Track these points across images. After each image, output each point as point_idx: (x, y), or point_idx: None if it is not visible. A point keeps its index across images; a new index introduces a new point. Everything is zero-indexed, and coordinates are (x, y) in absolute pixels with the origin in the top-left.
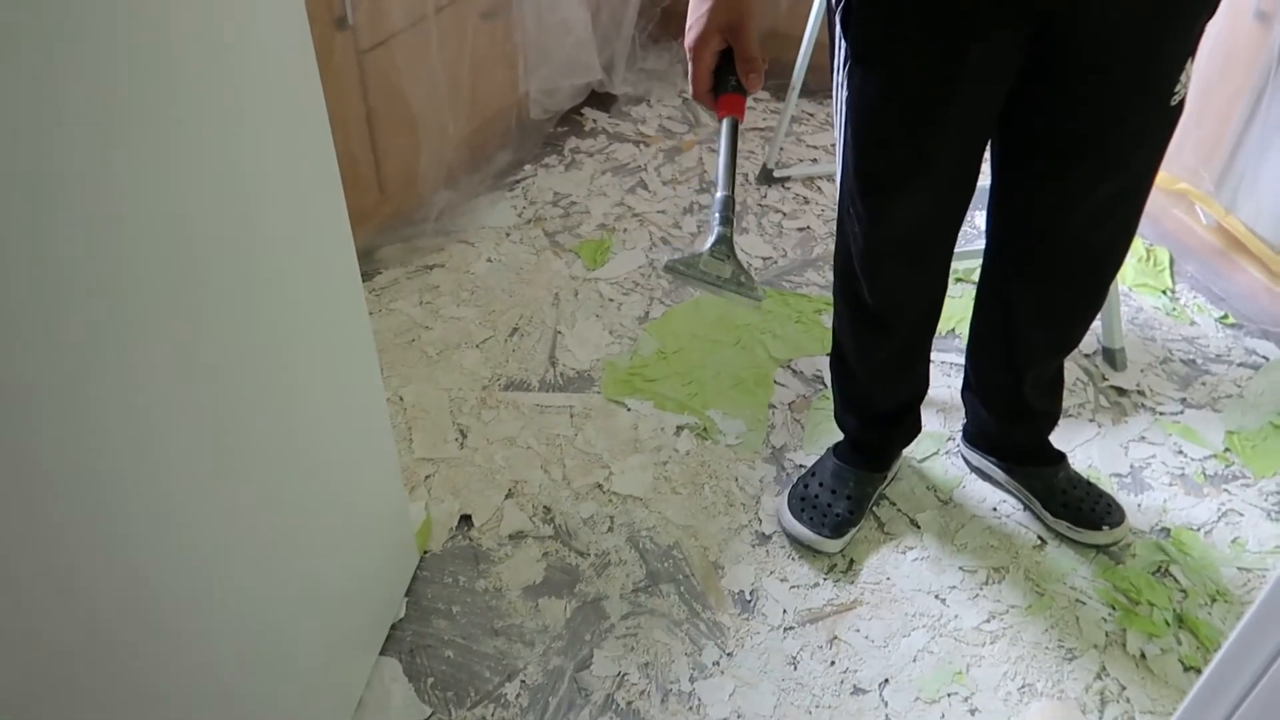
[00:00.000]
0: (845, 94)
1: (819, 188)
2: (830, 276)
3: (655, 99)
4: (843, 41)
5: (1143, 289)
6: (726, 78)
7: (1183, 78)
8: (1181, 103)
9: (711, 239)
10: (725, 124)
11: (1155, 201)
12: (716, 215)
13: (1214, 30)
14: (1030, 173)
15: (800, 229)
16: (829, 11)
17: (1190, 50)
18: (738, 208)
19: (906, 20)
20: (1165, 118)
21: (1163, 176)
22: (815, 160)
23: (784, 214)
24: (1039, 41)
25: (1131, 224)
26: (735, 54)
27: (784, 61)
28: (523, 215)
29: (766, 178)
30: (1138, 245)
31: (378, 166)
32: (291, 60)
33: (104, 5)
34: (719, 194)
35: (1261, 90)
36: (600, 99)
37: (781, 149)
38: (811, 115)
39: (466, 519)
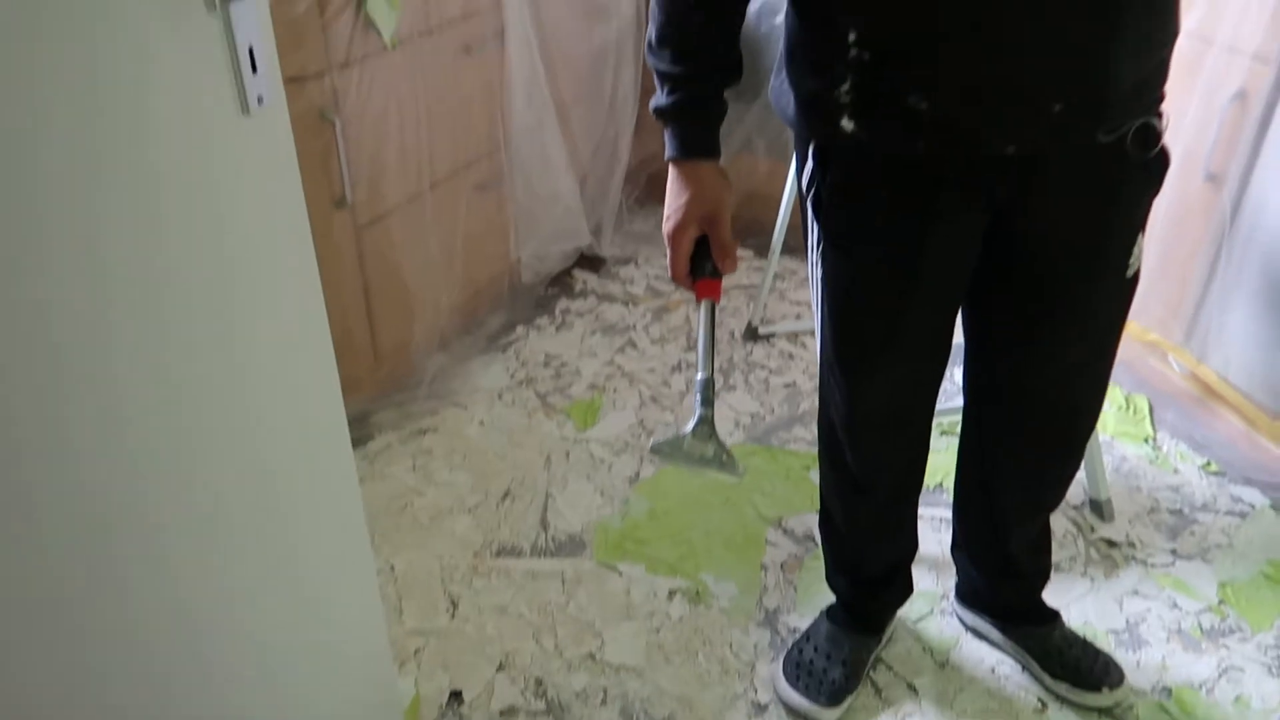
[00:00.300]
0: (820, 273)
1: (803, 344)
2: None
3: (643, 259)
4: (815, 224)
5: (1124, 437)
6: (703, 263)
7: (1136, 250)
8: (1136, 274)
9: (693, 421)
10: (703, 307)
11: (1130, 350)
12: (698, 396)
13: (1168, 191)
14: (996, 341)
15: (786, 385)
16: (800, 196)
17: (1140, 225)
18: (725, 365)
19: (871, 209)
20: (1121, 290)
21: (1134, 327)
22: (799, 316)
23: (770, 370)
24: (996, 225)
25: (1099, 388)
26: (711, 241)
27: (765, 221)
28: (515, 377)
29: (752, 334)
30: (1117, 394)
31: (373, 335)
32: (288, 242)
33: (104, 177)
34: (699, 376)
35: (1218, 245)
36: (590, 260)
37: (765, 306)
38: (794, 272)
39: (456, 695)
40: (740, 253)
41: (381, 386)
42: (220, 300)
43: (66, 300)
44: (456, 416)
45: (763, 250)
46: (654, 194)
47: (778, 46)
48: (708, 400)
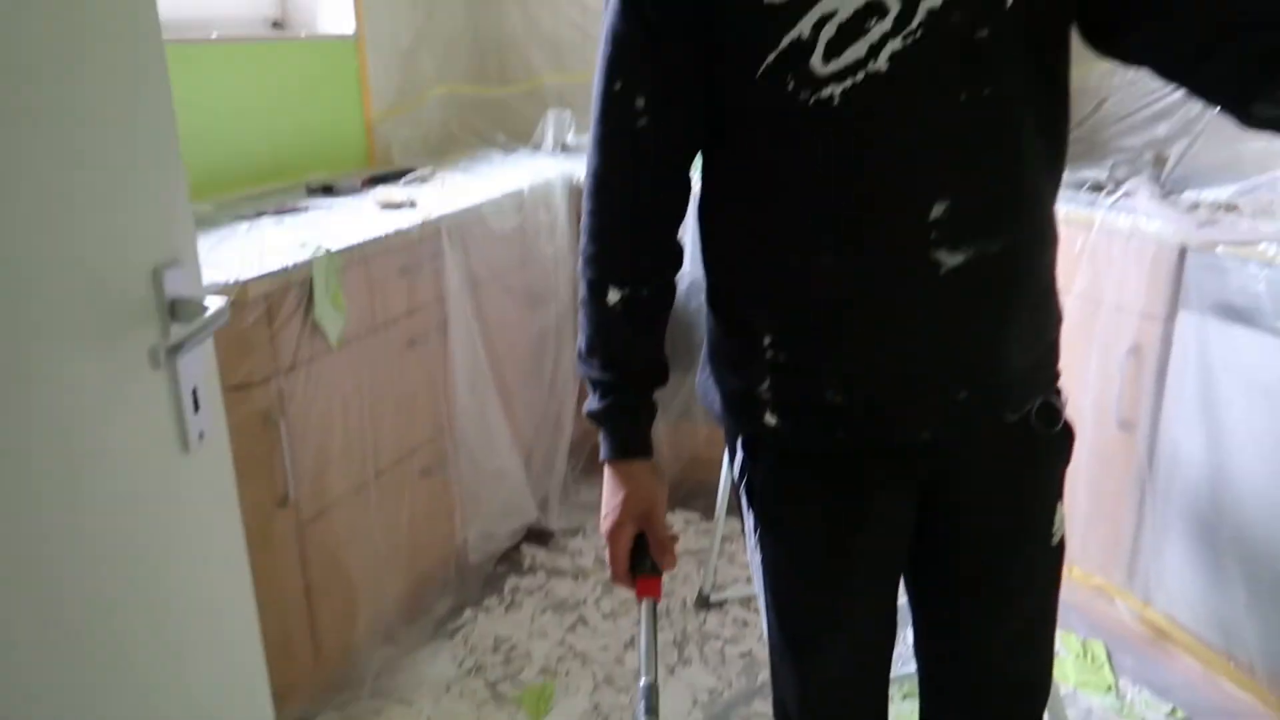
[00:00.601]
0: (758, 558)
1: (757, 609)
2: None
3: (591, 529)
4: (749, 512)
5: (1087, 688)
6: (642, 560)
7: (1057, 519)
8: (1062, 541)
9: None
10: (644, 606)
11: (1079, 594)
12: (642, 704)
13: (1087, 439)
14: (936, 615)
15: (742, 654)
16: (734, 486)
17: (1058, 495)
18: (679, 637)
19: (803, 497)
20: (1049, 559)
21: (1078, 572)
22: (750, 580)
23: (725, 639)
24: (923, 503)
25: (1045, 655)
26: (648, 538)
27: (708, 483)
28: (463, 665)
29: (704, 602)
30: (1073, 640)
31: (314, 635)
32: (224, 571)
33: (41, 517)
34: (643, 681)
35: (1142, 489)
36: (538, 534)
37: (716, 570)
38: (741, 533)
39: None
40: (686, 516)
41: (323, 688)
42: (153, 629)
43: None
44: (402, 715)
45: (709, 512)
46: (598, 464)
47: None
48: (652, 709)
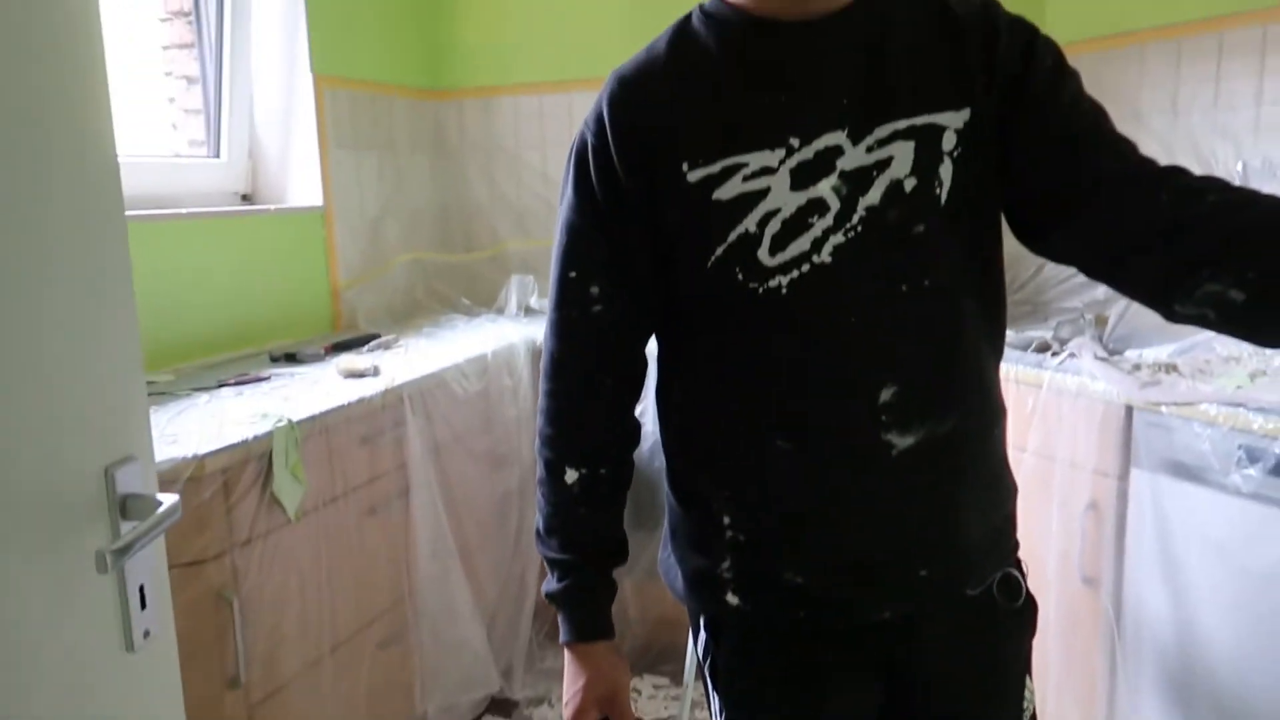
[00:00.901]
0: None
1: None
2: None
3: (556, 698)
4: (714, 693)
5: None
6: None
7: (1027, 694)
8: (1033, 716)
9: None
10: None
11: None
12: None
13: (1053, 595)
14: None
15: None
16: (698, 666)
17: (1025, 669)
18: None
19: (767, 677)
20: None
21: None
22: None
23: None
24: (890, 684)
25: None
26: None
27: (677, 645)
28: None
29: None
30: None
31: None
32: None
33: None
34: None
35: (1113, 647)
36: (501, 705)
37: None
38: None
39: None
40: (655, 681)
41: None
42: None
43: None
44: None
45: (679, 677)
46: None
47: None
48: None
